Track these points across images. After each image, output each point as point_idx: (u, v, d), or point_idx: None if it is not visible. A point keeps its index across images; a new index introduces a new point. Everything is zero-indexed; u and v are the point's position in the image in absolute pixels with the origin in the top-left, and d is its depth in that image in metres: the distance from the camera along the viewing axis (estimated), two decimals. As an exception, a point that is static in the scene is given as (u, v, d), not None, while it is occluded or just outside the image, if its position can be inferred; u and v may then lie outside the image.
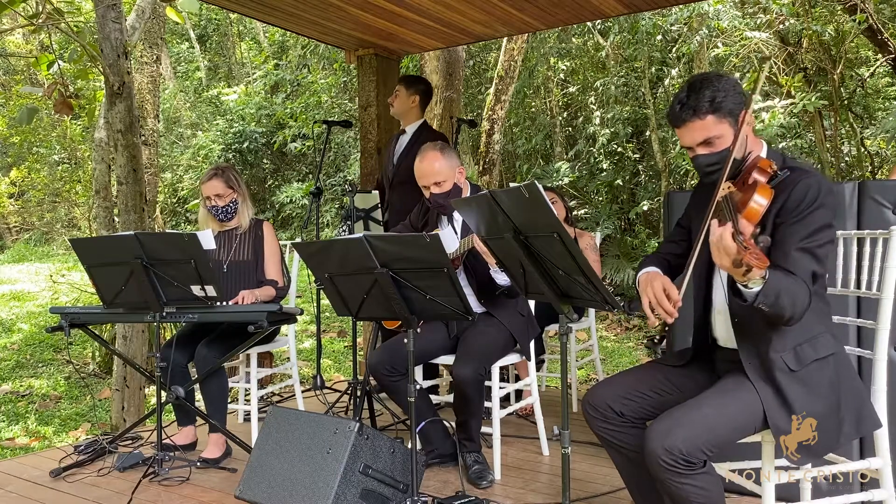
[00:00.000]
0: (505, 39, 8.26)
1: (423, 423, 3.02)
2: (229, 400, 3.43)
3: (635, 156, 10.53)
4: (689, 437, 1.79)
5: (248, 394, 3.61)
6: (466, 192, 3.12)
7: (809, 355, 1.88)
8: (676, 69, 10.18)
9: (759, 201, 1.76)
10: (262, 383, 4.09)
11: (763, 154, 1.97)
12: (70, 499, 2.93)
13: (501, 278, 2.93)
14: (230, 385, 3.52)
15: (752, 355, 1.92)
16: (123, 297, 3.09)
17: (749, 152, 1.96)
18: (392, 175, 4.23)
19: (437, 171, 2.99)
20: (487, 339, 2.99)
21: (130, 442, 3.60)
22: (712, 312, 2.09)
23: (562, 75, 11.87)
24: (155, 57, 7.93)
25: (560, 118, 11.70)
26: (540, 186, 1.87)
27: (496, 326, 3.05)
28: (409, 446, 2.51)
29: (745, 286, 1.71)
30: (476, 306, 3.09)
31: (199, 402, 3.59)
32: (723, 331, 2.06)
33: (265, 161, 14.96)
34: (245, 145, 14.17)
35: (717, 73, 2.01)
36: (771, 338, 1.88)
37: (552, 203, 4.31)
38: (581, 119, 11.35)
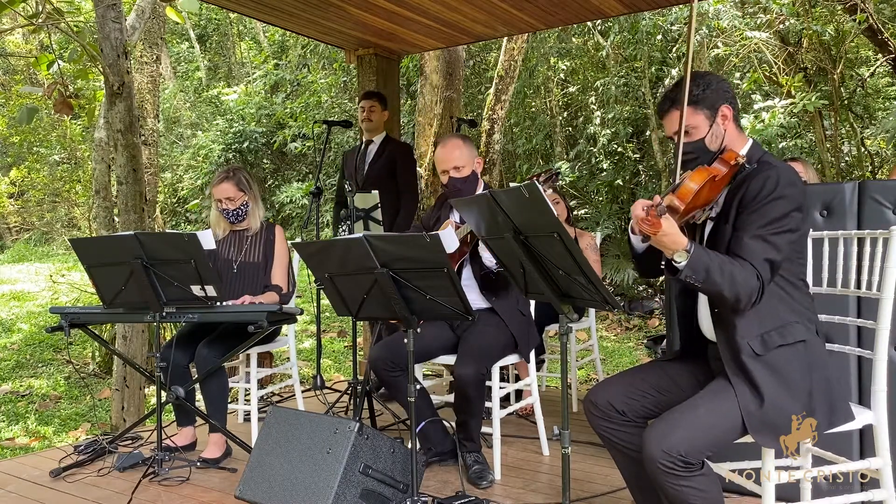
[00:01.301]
0: (505, 39, 8.26)
1: (423, 423, 3.02)
2: (229, 400, 3.43)
3: (635, 156, 10.52)
4: (687, 439, 1.79)
5: (248, 394, 3.61)
6: (481, 185, 3.20)
7: (776, 341, 1.92)
8: (676, 69, 10.16)
9: (690, 182, 1.86)
10: (262, 383, 4.09)
11: (745, 150, 2.00)
12: (70, 499, 2.93)
13: (488, 257, 2.97)
14: (230, 385, 3.52)
15: (725, 343, 1.95)
16: (123, 297, 3.09)
17: (724, 146, 2.02)
18: (363, 179, 4.51)
19: (457, 156, 3.10)
20: (489, 338, 3.00)
21: (130, 442, 3.60)
22: (698, 305, 2.11)
23: (562, 75, 11.86)
24: (155, 57, 7.92)
25: (560, 118, 11.69)
26: (540, 186, 1.87)
27: (497, 326, 3.06)
28: (409, 446, 2.51)
29: (673, 260, 1.80)
30: (480, 300, 3.12)
31: (200, 402, 3.59)
32: (707, 323, 2.07)
33: (265, 161, 14.95)
34: (245, 145, 14.16)
35: (705, 71, 2.12)
36: (740, 325, 1.92)
37: (554, 203, 4.34)
38: (581, 119, 11.35)
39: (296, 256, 3.77)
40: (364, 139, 4.65)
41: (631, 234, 2.10)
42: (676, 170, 1.94)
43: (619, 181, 10.22)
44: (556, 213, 1.90)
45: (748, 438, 1.91)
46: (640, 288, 9.29)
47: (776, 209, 1.86)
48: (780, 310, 1.93)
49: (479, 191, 3.17)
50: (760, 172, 1.91)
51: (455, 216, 3.25)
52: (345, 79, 13.62)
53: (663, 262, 1.88)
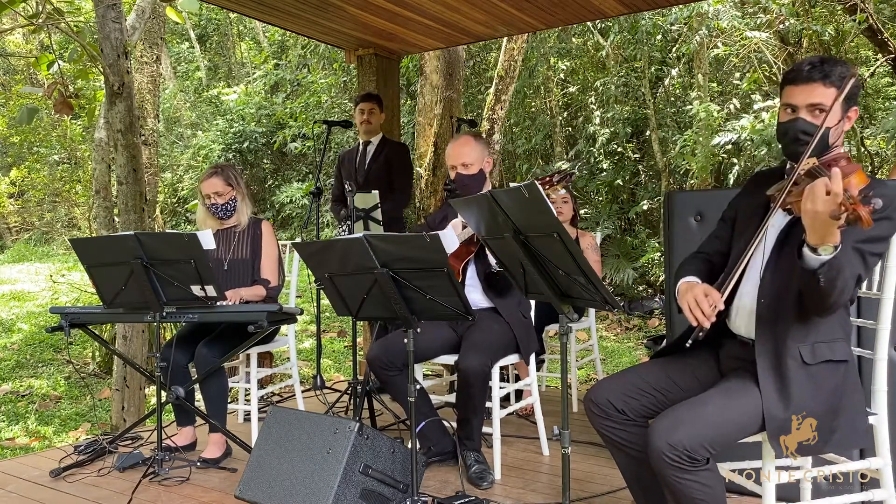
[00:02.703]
0: (505, 39, 8.26)
1: (423, 423, 3.02)
2: (229, 400, 3.43)
3: (635, 156, 10.52)
4: (693, 435, 1.79)
5: (248, 394, 3.61)
6: (488, 184, 3.22)
7: (825, 354, 1.90)
8: (676, 69, 10.17)
9: (857, 182, 1.73)
10: (262, 383, 4.08)
11: None
12: (70, 499, 2.93)
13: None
14: (230, 385, 3.52)
15: (768, 340, 1.92)
16: (123, 297, 3.09)
17: (837, 144, 1.95)
18: (362, 180, 4.59)
19: (467, 153, 3.14)
20: (493, 335, 3.01)
21: (130, 442, 3.60)
22: (734, 303, 2.07)
23: (562, 75, 11.86)
24: (155, 57, 7.92)
25: (560, 118, 11.70)
26: (540, 186, 1.86)
27: (501, 324, 3.08)
28: (409, 446, 2.51)
29: (815, 252, 1.69)
30: (483, 300, 3.13)
31: (199, 402, 3.59)
32: (744, 320, 2.03)
33: (265, 161, 14.95)
34: (245, 145, 14.17)
35: (852, 63, 2.01)
36: (794, 327, 1.89)
37: (563, 202, 4.34)
38: (581, 119, 11.35)
39: (295, 256, 3.77)
40: (361, 140, 4.70)
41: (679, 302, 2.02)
42: (805, 153, 1.84)
43: (619, 181, 10.23)
44: (555, 213, 1.89)
45: (751, 438, 1.91)
46: (640, 288, 9.29)
47: (882, 228, 1.81)
48: (834, 324, 1.91)
49: (486, 190, 3.18)
50: (876, 188, 1.83)
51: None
52: (345, 79, 13.61)
53: (796, 249, 1.79)
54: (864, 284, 2.15)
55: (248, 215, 3.59)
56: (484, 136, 8.64)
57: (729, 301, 2.07)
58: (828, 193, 1.61)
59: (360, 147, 4.70)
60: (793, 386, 1.86)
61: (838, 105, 1.88)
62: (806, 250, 1.72)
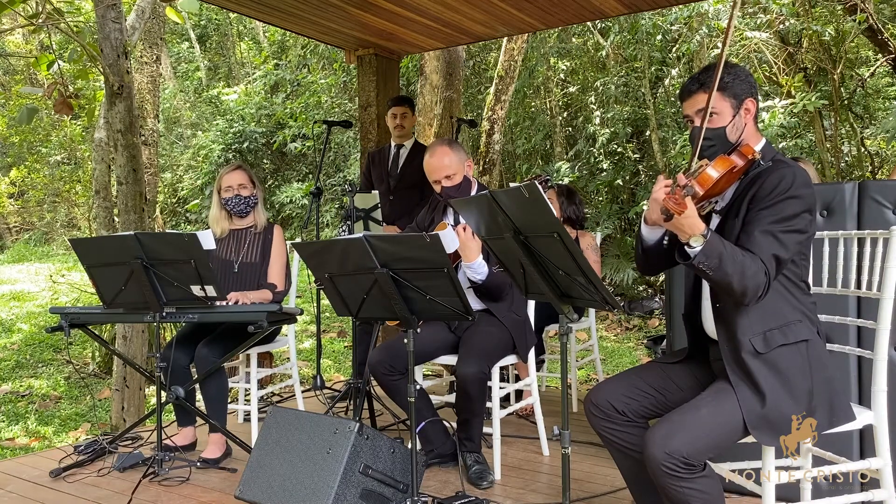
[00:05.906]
0: (505, 39, 8.26)
1: (423, 423, 3.02)
2: (229, 400, 3.43)
3: (635, 156, 10.52)
4: (689, 441, 1.79)
5: (248, 394, 3.61)
6: (475, 186, 3.17)
7: (778, 339, 1.92)
8: (676, 69, 10.17)
9: (712, 170, 1.86)
10: (262, 383, 4.08)
11: (759, 147, 2.00)
12: (70, 499, 2.93)
13: (472, 273, 2.96)
14: (230, 385, 3.52)
15: (728, 340, 1.96)
16: (123, 298, 3.09)
17: (742, 139, 2.02)
18: (395, 182, 4.60)
19: (447, 165, 3.05)
20: (490, 338, 3.00)
21: (130, 442, 3.60)
22: (702, 304, 2.11)
23: (562, 75, 11.86)
24: (155, 57, 7.92)
25: (560, 118, 11.69)
26: (540, 187, 1.86)
27: (497, 326, 3.06)
28: (409, 446, 2.51)
29: (689, 245, 1.79)
30: (476, 302, 3.11)
31: (200, 402, 3.60)
32: (711, 322, 2.07)
33: (265, 161, 14.95)
34: (245, 145, 14.16)
35: (734, 63, 2.10)
36: (742, 322, 1.93)
37: (552, 202, 4.31)
38: (581, 119, 11.35)
39: (295, 256, 3.77)
40: (394, 143, 4.71)
41: (643, 225, 2.08)
42: (694, 155, 1.94)
43: (619, 181, 10.23)
44: (555, 213, 1.89)
45: (750, 438, 1.91)
46: (640, 288, 9.29)
47: (789, 207, 1.86)
48: (784, 309, 1.94)
49: (474, 193, 3.15)
50: (777, 170, 1.91)
51: (449, 218, 3.24)
52: (345, 79, 13.62)
53: (676, 250, 1.87)
54: (864, 284, 2.16)
55: (264, 217, 3.63)
56: (484, 136, 8.64)
57: (698, 305, 2.13)
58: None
59: (393, 149, 4.71)
60: (757, 377, 1.88)
61: (723, 105, 1.98)
62: (685, 248, 1.80)
